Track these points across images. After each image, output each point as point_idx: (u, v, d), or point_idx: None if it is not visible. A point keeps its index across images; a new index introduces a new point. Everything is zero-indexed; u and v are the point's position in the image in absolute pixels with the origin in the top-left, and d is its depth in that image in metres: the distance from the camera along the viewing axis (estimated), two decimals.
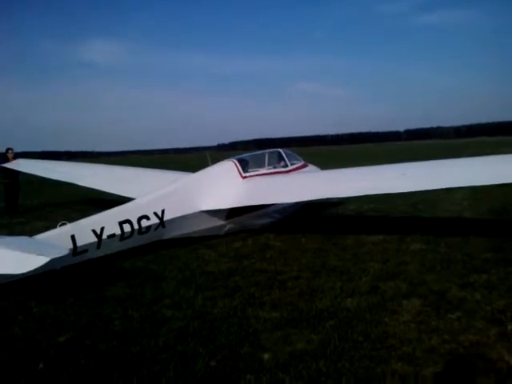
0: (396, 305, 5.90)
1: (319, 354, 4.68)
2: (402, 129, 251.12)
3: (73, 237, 7.52)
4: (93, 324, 5.70)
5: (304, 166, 12.29)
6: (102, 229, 7.95)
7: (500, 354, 4.54)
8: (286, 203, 10.95)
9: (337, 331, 5.16)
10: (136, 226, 8.46)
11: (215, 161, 11.51)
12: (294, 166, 11.83)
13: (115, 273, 7.79)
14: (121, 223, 8.27)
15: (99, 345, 5.09)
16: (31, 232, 8.79)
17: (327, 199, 13.17)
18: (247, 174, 10.75)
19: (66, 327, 5.62)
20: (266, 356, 4.71)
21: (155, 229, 8.84)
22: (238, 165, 10.79)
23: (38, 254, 6.14)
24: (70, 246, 7.41)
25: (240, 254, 8.85)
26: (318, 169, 13.01)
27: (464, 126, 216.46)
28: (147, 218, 8.67)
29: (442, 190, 12.00)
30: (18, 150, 17.34)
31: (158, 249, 9.01)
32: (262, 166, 11.33)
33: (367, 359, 4.53)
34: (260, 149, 12.99)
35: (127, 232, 8.32)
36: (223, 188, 10.14)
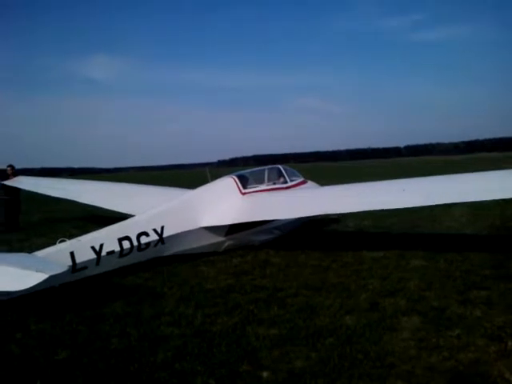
0: (396, 322, 5.88)
1: (318, 371, 4.66)
2: (401, 145, 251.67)
3: (72, 253, 7.52)
4: (91, 342, 5.67)
5: (303, 183, 12.32)
6: (102, 245, 7.95)
7: (500, 372, 4.52)
8: (286, 219, 10.96)
9: (336, 349, 5.13)
10: (135, 243, 8.46)
11: (215, 177, 11.55)
12: (294, 183, 11.85)
13: (114, 290, 7.76)
14: (120, 240, 8.27)
15: (97, 363, 5.07)
16: (31, 248, 8.79)
17: (326, 215, 13.18)
18: (247, 191, 10.78)
19: (64, 345, 5.59)
20: (264, 374, 4.68)
21: (154, 245, 8.83)
22: (237, 181, 10.82)
23: (37, 271, 6.15)
24: (70, 262, 7.40)
25: (239, 270, 8.83)
26: (318, 185, 13.05)
27: (463, 143, 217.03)
28: (146, 234, 8.68)
29: (440, 206, 12.04)
30: (17, 166, 17.37)
31: (157, 265, 8.99)
32: (261, 182, 11.37)
33: (366, 377, 4.50)
34: (260, 165, 13.04)
35: (126, 249, 8.31)
36: (223, 204, 10.15)
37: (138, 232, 8.57)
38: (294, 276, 8.24)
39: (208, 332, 5.82)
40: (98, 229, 8.53)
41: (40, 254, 7.40)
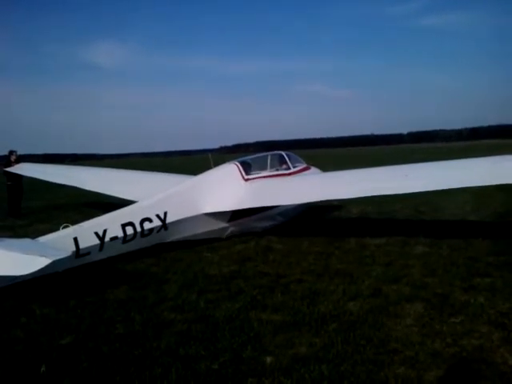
0: (399, 308, 5.88)
1: (322, 357, 4.67)
2: (404, 131, 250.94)
3: (75, 239, 7.52)
4: (95, 327, 5.70)
5: (306, 169, 12.26)
6: (105, 231, 7.95)
7: (504, 358, 4.52)
8: (289, 205, 10.94)
9: (339, 335, 5.14)
10: (139, 229, 8.46)
11: (217, 164, 11.53)
12: (297, 169, 11.80)
13: (117, 275, 7.78)
14: (123, 226, 8.27)
15: (101, 347, 5.09)
16: (34, 234, 8.80)
17: (329, 201, 13.16)
18: (250, 177, 10.74)
19: (68, 330, 5.62)
20: (268, 359, 4.70)
21: (158, 231, 8.83)
22: (240, 167, 10.78)
23: (40, 256, 6.16)
24: (73, 248, 7.40)
25: (242, 256, 8.84)
26: (321, 171, 13.00)
27: (466, 129, 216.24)
28: (150, 220, 8.67)
29: (444, 192, 12.01)
30: (20, 152, 17.38)
31: (161, 251, 9.01)
32: (264, 168, 11.33)
33: (370, 363, 4.51)
34: (262, 151, 12.99)
35: (130, 234, 8.32)
36: (226, 190, 10.13)
37: (141, 218, 8.56)
38: (297, 262, 8.24)
39: (211, 317, 5.84)
40: (101, 215, 8.53)
41: (43, 239, 7.42)
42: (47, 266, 6.10)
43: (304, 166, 12.31)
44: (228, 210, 9.84)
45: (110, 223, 8.16)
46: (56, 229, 7.83)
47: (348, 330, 5.25)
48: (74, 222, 8.14)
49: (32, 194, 20.29)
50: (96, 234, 7.85)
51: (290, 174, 11.43)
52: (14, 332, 5.63)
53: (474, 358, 4.56)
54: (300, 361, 4.63)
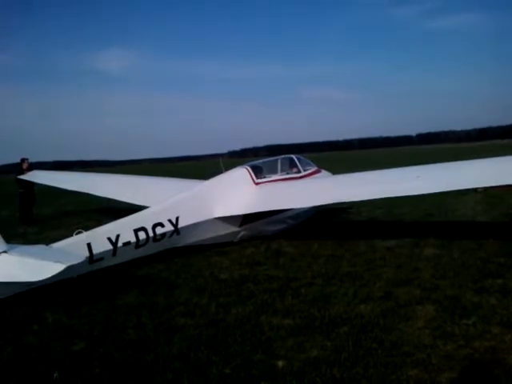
0: (410, 311, 5.86)
1: (333, 360, 4.66)
2: (413, 133, 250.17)
3: (89, 245, 7.59)
4: (107, 332, 5.73)
5: (317, 172, 12.26)
6: (118, 236, 8.01)
7: None
8: (299, 209, 10.94)
9: (351, 338, 5.13)
10: (151, 234, 8.50)
11: (227, 168, 11.57)
12: (307, 172, 11.81)
13: (128, 281, 7.82)
14: (136, 231, 8.32)
15: (113, 353, 5.12)
16: (46, 241, 8.88)
17: (340, 204, 13.12)
18: (260, 181, 10.77)
19: (80, 336, 5.66)
20: (280, 363, 4.70)
21: (170, 236, 8.87)
22: (250, 171, 10.81)
23: (55, 262, 6.23)
24: (87, 254, 7.47)
25: (253, 260, 8.85)
26: (331, 174, 12.99)
27: (475, 130, 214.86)
28: (162, 225, 8.71)
29: (454, 194, 11.94)
30: (30, 159, 17.50)
31: (171, 257, 9.04)
32: (274, 172, 11.34)
33: (382, 366, 4.50)
34: (271, 155, 13.02)
35: (142, 239, 8.36)
36: (236, 194, 10.16)
37: (153, 223, 8.60)
38: (308, 266, 8.23)
39: (222, 322, 5.85)
40: (112, 221, 8.58)
41: (57, 245, 7.49)
42: (62, 272, 6.18)
43: (314, 169, 12.31)
44: (239, 213, 9.86)
45: (123, 229, 8.22)
46: (68, 235, 7.89)
47: (359, 333, 5.24)
48: (86, 228, 8.21)
49: (43, 201, 20.44)
50: (109, 239, 7.91)
51: (300, 178, 11.43)
52: (27, 339, 5.67)
53: (486, 360, 4.54)
54: (311, 364, 4.62)
